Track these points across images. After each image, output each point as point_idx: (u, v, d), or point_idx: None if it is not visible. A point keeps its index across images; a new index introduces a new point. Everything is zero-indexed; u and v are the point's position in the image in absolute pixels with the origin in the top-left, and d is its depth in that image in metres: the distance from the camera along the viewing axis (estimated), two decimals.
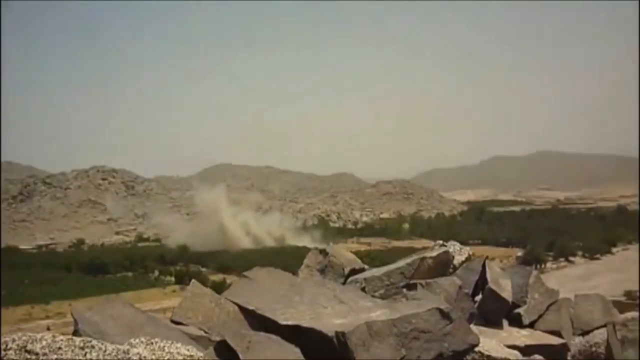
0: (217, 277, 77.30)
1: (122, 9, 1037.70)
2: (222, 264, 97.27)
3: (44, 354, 3.14)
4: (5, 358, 3.10)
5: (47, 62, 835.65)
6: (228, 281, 57.71)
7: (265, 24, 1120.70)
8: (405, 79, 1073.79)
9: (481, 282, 6.75)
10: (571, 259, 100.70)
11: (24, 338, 3.21)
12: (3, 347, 3.15)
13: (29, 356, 3.12)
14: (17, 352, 3.13)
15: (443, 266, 6.91)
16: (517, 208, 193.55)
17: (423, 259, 6.61)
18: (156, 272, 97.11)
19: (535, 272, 7.15)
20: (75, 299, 75.33)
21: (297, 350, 4.46)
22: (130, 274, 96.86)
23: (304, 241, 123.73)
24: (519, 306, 6.64)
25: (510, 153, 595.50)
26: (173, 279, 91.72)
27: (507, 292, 6.53)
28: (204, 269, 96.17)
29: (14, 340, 3.18)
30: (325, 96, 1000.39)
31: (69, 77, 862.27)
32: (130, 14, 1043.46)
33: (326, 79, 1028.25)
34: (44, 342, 3.19)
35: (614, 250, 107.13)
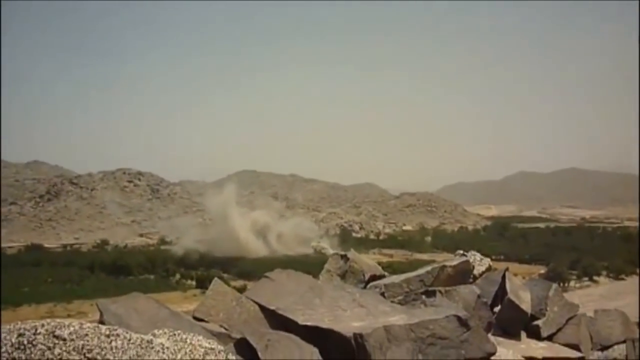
0: (237, 283, 77.38)
1: (151, 9, 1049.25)
2: (243, 269, 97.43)
3: (71, 340, 3.24)
4: (34, 342, 3.20)
5: (74, 62, 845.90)
6: (248, 287, 57.87)
7: (291, 37, 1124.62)
8: (431, 92, 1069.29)
9: (501, 293, 6.77)
10: (595, 278, 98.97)
11: (52, 324, 3.31)
12: (32, 331, 3.25)
13: (56, 341, 3.23)
14: (46, 336, 3.23)
15: (463, 275, 6.94)
16: (541, 225, 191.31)
17: (443, 267, 6.66)
18: (177, 276, 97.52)
19: (555, 286, 7.16)
20: (97, 298, 75.96)
21: (315, 350, 4.53)
22: (152, 276, 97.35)
23: (325, 250, 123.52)
24: (537, 318, 6.65)
25: (536, 169, 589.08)
26: (194, 283, 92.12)
27: (526, 303, 6.54)
28: (225, 275, 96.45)
29: (42, 326, 3.29)
30: (350, 106, 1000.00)
31: (98, 78, 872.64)
32: (158, 16, 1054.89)
33: (352, 90, 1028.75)
34: (71, 328, 3.29)
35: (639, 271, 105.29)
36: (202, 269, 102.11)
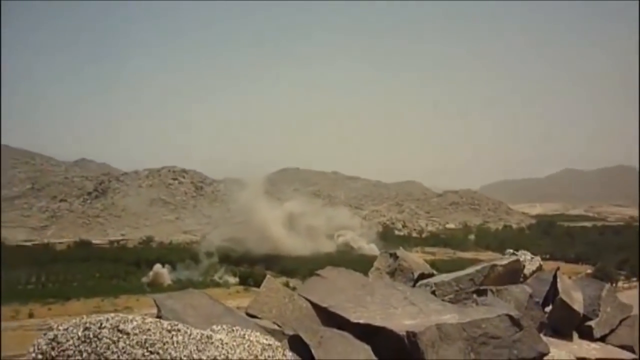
0: (280, 280, 78.05)
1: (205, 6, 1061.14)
2: (285, 267, 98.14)
3: (135, 334, 3.33)
4: (99, 336, 3.31)
5: (126, 62, 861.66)
6: (291, 284, 58.15)
7: (329, 32, 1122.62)
8: (475, 91, 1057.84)
9: (552, 293, 6.69)
10: None
11: (116, 318, 3.41)
12: (97, 325, 3.36)
13: (120, 335, 3.32)
14: (110, 330, 3.33)
15: (513, 275, 6.88)
16: (588, 224, 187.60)
17: (493, 266, 6.61)
18: (221, 272, 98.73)
19: (607, 286, 7.03)
20: (142, 294, 77.61)
21: (368, 347, 4.56)
22: (196, 272, 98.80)
23: (366, 249, 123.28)
24: (590, 319, 6.54)
25: (582, 167, 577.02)
26: (237, 279, 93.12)
27: (578, 303, 6.45)
28: (267, 272, 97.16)
29: (107, 320, 3.39)
30: (394, 105, 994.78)
31: (146, 77, 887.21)
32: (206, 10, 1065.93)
33: (396, 89, 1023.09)
34: (134, 323, 3.39)
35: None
36: (245, 265, 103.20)
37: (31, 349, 3.31)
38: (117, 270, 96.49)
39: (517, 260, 7.02)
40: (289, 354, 3.74)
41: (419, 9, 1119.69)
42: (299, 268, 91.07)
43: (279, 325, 5.18)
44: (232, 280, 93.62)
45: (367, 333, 4.78)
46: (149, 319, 3.48)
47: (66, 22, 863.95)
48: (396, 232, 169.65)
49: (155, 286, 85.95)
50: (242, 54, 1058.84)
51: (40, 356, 3.23)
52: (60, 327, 3.36)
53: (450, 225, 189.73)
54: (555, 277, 6.78)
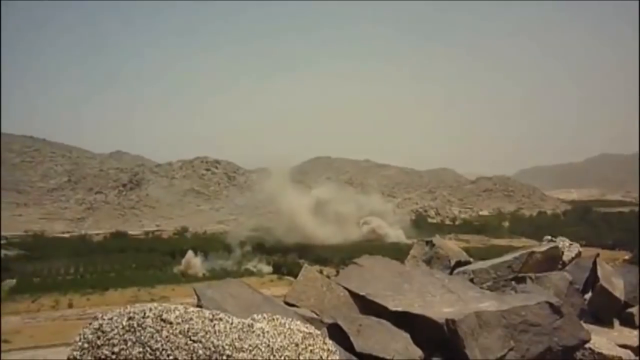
0: (314, 269, 78.25)
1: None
2: (319, 255, 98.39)
3: (178, 323, 3.39)
4: (143, 325, 3.37)
5: (160, 58, 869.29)
6: (325, 272, 58.32)
7: (351, 22, 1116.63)
8: (506, 74, 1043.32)
9: (592, 280, 6.61)
10: None
11: (159, 308, 3.47)
12: (141, 315, 3.42)
13: (164, 324, 3.38)
14: (154, 320, 3.39)
15: (552, 262, 6.81)
16: (625, 209, 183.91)
17: (532, 253, 6.55)
18: (254, 261, 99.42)
19: None
20: (178, 284, 78.57)
21: (407, 335, 4.56)
22: (230, 262, 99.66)
23: (393, 236, 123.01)
24: (631, 306, 6.45)
25: (619, 151, 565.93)
26: (271, 268, 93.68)
27: (619, 290, 6.36)
28: (301, 260, 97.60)
29: (150, 310, 3.45)
30: (426, 91, 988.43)
31: (174, 69, 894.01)
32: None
33: (428, 77, 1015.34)
34: (177, 312, 3.44)
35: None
36: (278, 254, 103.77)
37: (77, 338, 3.39)
38: (152, 261, 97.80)
39: (556, 247, 6.95)
40: (329, 342, 3.76)
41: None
42: (332, 256, 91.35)
43: (317, 314, 5.20)
44: (266, 269, 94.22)
45: (405, 321, 4.78)
46: (191, 308, 3.52)
47: (82, 17, 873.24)
48: (429, 220, 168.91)
49: (189, 275, 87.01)
50: (274, 43, 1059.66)
51: (86, 345, 3.30)
52: (105, 317, 3.43)
53: (484, 213, 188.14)
54: (594, 263, 6.70)
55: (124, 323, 3.37)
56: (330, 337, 4.49)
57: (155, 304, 3.52)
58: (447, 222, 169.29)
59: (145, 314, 3.41)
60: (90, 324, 3.46)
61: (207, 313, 3.49)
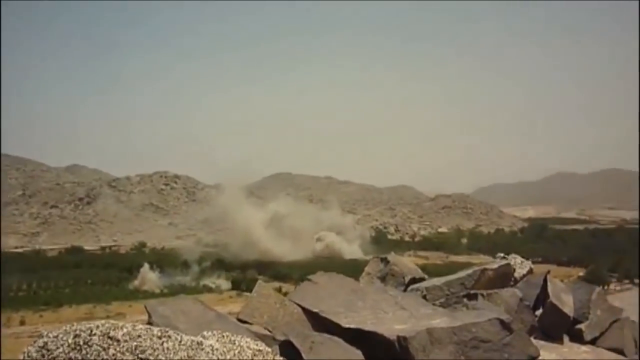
0: (273, 285, 77.73)
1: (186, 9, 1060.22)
2: (279, 272, 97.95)
3: (125, 341, 3.34)
4: (89, 343, 3.31)
5: (120, 68, 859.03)
6: (283, 289, 58.08)
7: (320, 36, 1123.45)
8: (467, 94, 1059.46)
9: (542, 296, 6.72)
10: (636, 281, 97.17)
11: (107, 325, 3.42)
12: (88, 332, 3.36)
13: (111, 342, 3.33)
14: (101, 337, 3.34)
15: (504, 279, 6.91)
16: (580, 227, 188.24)
17: (484, 270, 6.65)
18: (213, 278, 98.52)
19: (598, 289, 7.07)
20: (135, 300, 77.25)
21: (359, 352, 4.57)
22: (188, 277, 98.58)
23: (359, 253, 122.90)
24: (580, 322, 6.58)
25: (575, 170, 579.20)
26: (230, 284, 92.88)
27: (568, 307, 6.48)
28: (260, 277, 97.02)
29: (98, 327, 3.40)
30: (385, 108, 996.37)
31: (133, 82, 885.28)
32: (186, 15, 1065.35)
33: (390, 95, 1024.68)
34: (124, 330, 3.39)
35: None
36: (238, 271, 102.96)
37: (21, 357, 3.32)
38: (109, 277, 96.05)
39: (508, 264, 7.06)
40: (280, 359, 3.75)
41: (409, 8, 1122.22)
42: (291, 273, 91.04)
43: (270, 331, 5.18)
44: (225, 285, 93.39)
45: (358, 338, 4.79)
46: (140, 326, 3.48)
47: (54, 29, 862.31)
48: (389, 236, 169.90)
49: (146, 291, 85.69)
50: (234, 58, 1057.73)
51: None
52: (51, 335, 3.37)
53: (443, 229, 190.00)
54: (545, 280, 6.82)
55: (70, 341, 3.31)
56: (283, 354, 4.49)
57: (103, 321, 3.48)
58: (407, 238, 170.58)
59: (92, 331, 3.36)
60: (35, 342, 3.39)
61: (155, 330, 3.45)
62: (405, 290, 6.64)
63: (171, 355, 3.35)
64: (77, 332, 3.36)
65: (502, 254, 7.78)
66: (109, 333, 3.36)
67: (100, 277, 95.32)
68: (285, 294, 6.29)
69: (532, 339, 5.55)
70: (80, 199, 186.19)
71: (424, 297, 6.18)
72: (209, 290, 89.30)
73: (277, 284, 79.54)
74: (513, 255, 7.62)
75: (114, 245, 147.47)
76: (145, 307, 4.83)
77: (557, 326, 6.38)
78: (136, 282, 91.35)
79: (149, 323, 4.48)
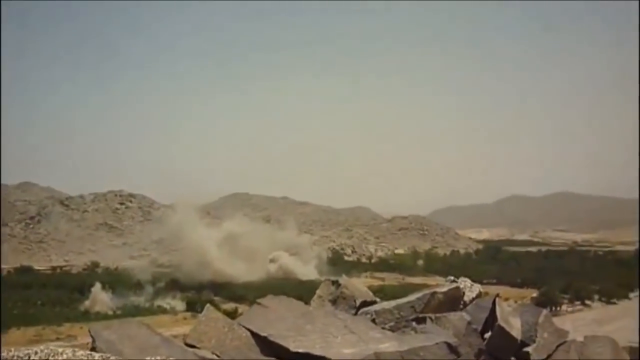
0: (229, 306, 77.02)
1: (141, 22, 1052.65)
2: (234, 293, 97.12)
3: None
4: None
5: (63, 79, 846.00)
6: (240, 310, 57.58)
7: (286, 53, 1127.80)
8: (423, 118, 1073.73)
9: (491, 320, 6.80)
10: (587, 302, 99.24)
11: (46, 351, 3.35)
12: (26, 358, 3.28)
13: None
14: None
15: (453, 302, 6.98)
16: (533, 248, 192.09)
17: (434, 293, 6.71)
18: (168, 299, 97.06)
19: (545, 312, 7.19)
20: (87, 322, 75.49)
21: None
22: (142, 299, 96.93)
23: (315, 274, 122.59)
24: (527, 345, 6.67)
25: (528, 193, 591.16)
26: (184, 305, 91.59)
27: (516, 330, 6.57)
28: (216, 297, 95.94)
29: (36, 353, 3.32)
30: (344, 131, 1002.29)
31: (87, 98, 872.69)
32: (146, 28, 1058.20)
33: (347, 115, 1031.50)
34: (65, 356, 3.33)
35: (631, 295, 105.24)
36: (193, 292, 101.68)
37: None
38: (60, 297, 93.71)
39: (457, 288, 7.14)
40: None
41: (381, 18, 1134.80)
42: (247, 294, 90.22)
43: (217, 355, 5.13)
44: (180, 306, 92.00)
45: None
46: (80, 352, 3.42)
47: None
48: (345, 258, 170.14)
49: (98, 312, 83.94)
50: (193, 74, 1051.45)
51: None
52: None
53: (400, 251, 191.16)
54: (494, 303, 6.91)
55: None
56: None
57: (42, 347, 3.40)
58: (364, 259, 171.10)
59: (29, 357, 3.28)
60: None
61: (97, 356, 3.40)
62: (356, 314, 6.65)
63: None
64: (15, 358, 3.28)
65: (452, 277, 7.88)
66: (47, 359, 3.29)
67: (51, 297, 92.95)
68: (241, 315, 6.24)
69: None
70: (32, 218, 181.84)
71: (374, 320, 6.20)
72: (164, 311, 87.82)
73: (233, 305, 78.79)
74: (463, 278, 7.72)
75: (66, 265, 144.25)
76: (89, 332, 4.73)
77: (504, 349, 6.46)
78: (87, 303, 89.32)
79: (93, 348, 4.39)
